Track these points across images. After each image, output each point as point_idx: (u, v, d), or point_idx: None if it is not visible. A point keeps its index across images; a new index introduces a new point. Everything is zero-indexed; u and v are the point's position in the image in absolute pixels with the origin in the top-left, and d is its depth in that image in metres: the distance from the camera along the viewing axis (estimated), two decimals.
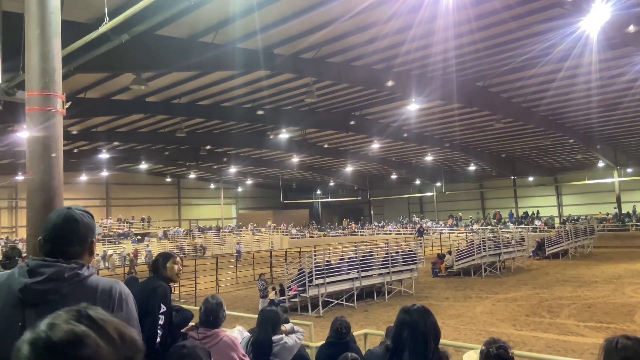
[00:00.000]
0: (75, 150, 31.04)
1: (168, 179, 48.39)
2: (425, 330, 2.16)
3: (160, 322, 3.26)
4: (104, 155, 32.11)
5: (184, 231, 45.29)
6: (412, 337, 2.11)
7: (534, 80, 19.53)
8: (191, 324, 3.69)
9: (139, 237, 39.63)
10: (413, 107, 21.53)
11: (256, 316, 4.54)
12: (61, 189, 3.44)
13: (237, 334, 4.34)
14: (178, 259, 3.62)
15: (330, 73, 17.26)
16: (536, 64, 17.32)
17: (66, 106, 3.47)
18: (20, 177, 36.07)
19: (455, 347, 6.68)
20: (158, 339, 3.20)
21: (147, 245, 36.00)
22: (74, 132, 24.58)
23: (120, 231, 40.55)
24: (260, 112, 22.72)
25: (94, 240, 1.90)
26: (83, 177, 41.08)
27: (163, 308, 3.26)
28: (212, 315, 3.53)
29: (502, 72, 18.82)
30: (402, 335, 2.13)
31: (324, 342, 4.97)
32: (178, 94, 20.13)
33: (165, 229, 43.70)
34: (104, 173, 41.37)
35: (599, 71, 17.38)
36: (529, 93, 21.63)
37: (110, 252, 32.67)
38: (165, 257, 3.61)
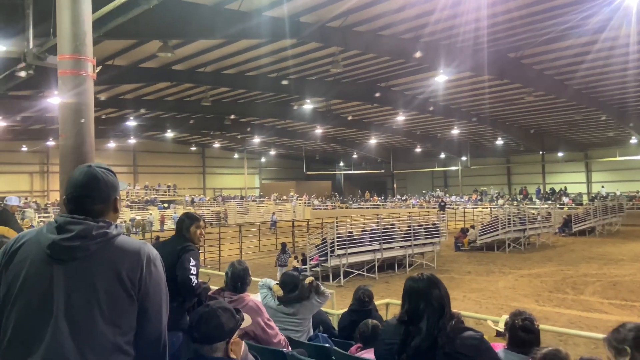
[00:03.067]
0: (104, 117, 31.54)
1: (193, 148, 48.92)
2: (441, 295, 2.15)
3: (193, 270, 3.36)
4: (131, 123, 32.57)
5: (208, 199, 45.99)
6: (428, 305, 2.10)
7: (568, 52, 18.85)
8: (215, 287, 3.76)
9: (165, 205, 40.46)
10: (441, 78, 21.07)
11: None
12: (92, 153, 3.48)
13: (261, 298, 4.45)
14: (202, 222, 3.65)
15: (357, 43, 16.96)
16: (572, 35, 16.67)
17: (97, 70, 3.49)
18: (51, 143, 37.06)
19: (475, 319, 6.70)
20: (194, 280, 3.32)
21: (174, 212, 36.79)
22: (103, 99, 24.93)
23: (147, 198, 41.40)
24: (284, 82, 22.58)
25: (118, 197, 1.86)
26: (111, 144, 41.87)
27: (193, 262, 3.36)
28: (239, 281, 3.58)
29: (535, 44, 18.18)
30: (418, 305, 2.12)
31: (346, 309, 5.05)
32: (204, 63, 20.12)
33: (190, 197, 44.47)
34: (132, 140, 42.06)
35: (638, 44, 16.64)
36: (562, 65, 20.90)
37: (138, 217, 33.43)
38: (191, 219, 3.61)
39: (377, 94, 25.36)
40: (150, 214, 35.41)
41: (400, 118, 32.38)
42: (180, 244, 3.45)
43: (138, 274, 1.72)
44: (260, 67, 21.16)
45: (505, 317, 3.89)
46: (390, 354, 2.13)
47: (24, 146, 38.33)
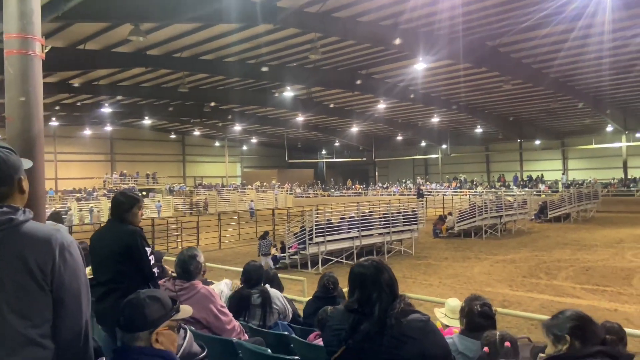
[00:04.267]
0: (79, 104, 30.93)
1: (172, 136, 48.34)
2: (390, 279, 2.11)
3: (152, 262, 3.30)
4: (107, 110, 31.96)
5: (188, 188, 45.57)
6: (380, 291, 2.06)
7: (545, 41, 18.97)
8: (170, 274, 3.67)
9: (143, 193, 39.92)
10: (420, 66, 21.06)
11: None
12: (41, 137, 3.34)
13: (223, 286, 4.38)
14: (142, 202, 3.48)
15: (336, 29, 16.80)
16: (549, 23, 16.75)
17: (46, 50, 3.34)
18: None
19: (434, 303, 6.73)
20: (155, 272, 3.26)
21: (158, 201, 36.38)
22: (76, 85, 24.38)
23: (125, 186, 40.83)
24: (264, 69, 22.32)
25: (23, 177, 1.74)
26: (87, 132, 41.12)
27: (148, 250, 3.27)
28: (184, 268, 3.47)
29: (513, 32, 18.23)
30: (369, 291, 2.07)
31: None
32: (179, 48, 19.76)
33: (170, 185, 43.99)
34: (108, 128, 41.36)
35: (613, 32, 16.82)
36: (540, 54, 21.07)
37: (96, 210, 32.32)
38: (131, 201, 3.40)
39: (358, 82, 25.29)
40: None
41: (382, 106, 32.41)
42: (128, 229, 3.30)
43: (50, 264, 1.61)
44: (238, 53, 20.87)
45: (451, 301, 3.87)
46: (337, 340, 2.09)
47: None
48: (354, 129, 42.98)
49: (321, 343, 2.84)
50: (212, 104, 32.26)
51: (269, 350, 2.91)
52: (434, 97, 30.28)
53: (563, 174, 41.92)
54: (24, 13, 3.21)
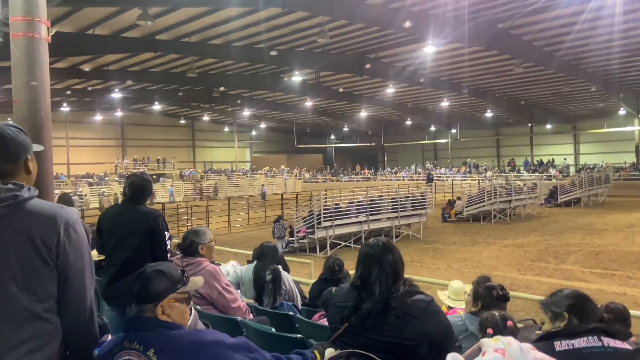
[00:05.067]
0: (90, 89, 31.08)
1: (182, 121, 48.42)
2: (394, 260, 2.14)
3: (168, 247, 3.44)
4: (117, 95, 32.06)
5: (199, 173, 45.77)
6: (381, 270, 2.10)
7: (556, 23, 18.65)
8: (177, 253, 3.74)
9: (154, 177, 40.23)
10: (429, 49, 20.80)
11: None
12: (49, 120, 3.38)
13: (230, 267, 4.45)
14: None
15: (344, 12, 16.65)
16: (559, 4, 16.46)
17: (51, 33, 3.36)
18: None
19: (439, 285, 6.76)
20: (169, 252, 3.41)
21: (171, 186, 36.72)
22: (87, 70, 24.46)
23: (135, 171, 41.08)
24: (273, 53, 22.21)
25: (30, 157, 1.76)
26: (98, 117, 41.33)
27: (167, 235, 3.37)
28: (191, 245, 3.56)
29: (523, 14, 17.93)
30: (371, 270, 2.11)
31: None
32: (188, 33, 19.72)
33: (180, 170, 44.23)
34: (119, 113, 41.51)
35: (624, 13, 16.48)
36: (551, 36, 20.73)
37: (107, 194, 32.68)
38: (150, 184, 3.55)
39: (367, 66, 25.08)
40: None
41: (391, 90, 32.16)
42: (151, 210, 3.44)
43: (55, 240, 1.64)
44: (246, 38, 20.79)
45: (454, 283, 3.90)
46: (340, 317, 2.13)
47: (9, 119, 37.65)
48: (363, 114, 42.76)
49: (326, 323, 2.89)
50: (221, 89, 32.23)
51: (274, 329, 2.96)
52: (444, 81, 29.97)
53: (565, 159, 41.54)
54: None
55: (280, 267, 4.40)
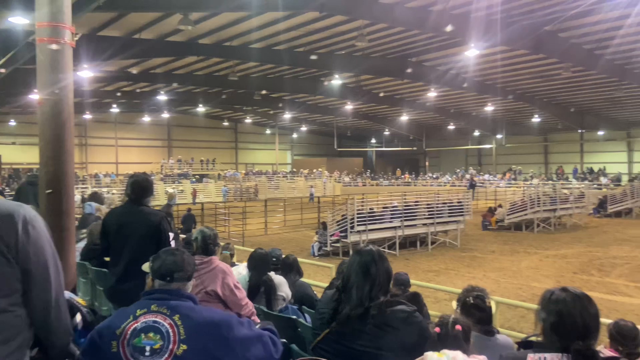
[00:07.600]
0: (138, 91, 32.24)
1: (225, 123, 49.44)
2: (377, 269, 2.11)
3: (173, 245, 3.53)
4: (163, 97, 33.11)
5: (241, 174, 46.60)
6: (363, 276, 2.08)
7: (608, 25, 17.82)
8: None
9: (197, 177, 41.26)
10: (472, 52, 20.34)
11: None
12: (71, 121, 3.53)
13: (242, 268, 4.50)
14: None
15: (383, 15, 16.54)
16: (612, 5, 15.74)
17: (76, 38, 3.51)
18: (88, 116, 38.21)
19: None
20: None
21: (225, 186, 38.01)
22: (134, 72, 25.37)
23: (180, 171, 42.28)
24: (313, 57, 22.35)
25: None
26: (146, 118, 42.83)
27: (172, 235, 3.46)
28: (205, 244, 3.59)
29: (573, 15, 17.23)
30: (352, 275, 2.10)
31: None
32: (230, 37, 20.12)
33: (221, 172, 45.18)
34: (166, 115, 42.85)
35: None
36: (602, 39, 19.81)
37: (170, 190, 33.99)
38: (152, 186, 3.68)
39: (409, 70, 24.78)
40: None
41: (433, 94, 31.64)
42: (157, 212, 3.55)
43: (13, 238, 1.69)
44: (287, 41, 20.99)
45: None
46: (322, 322, 2.12)
47: None
48: (404, 118, 42.30)
49: None
50: (263, 92, 32.69)
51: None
52: (489, 85, 29.22)
53: (601, 168, 39.69)
54: (54, 2, 3.39)
55: (273, 273, 4.41)
